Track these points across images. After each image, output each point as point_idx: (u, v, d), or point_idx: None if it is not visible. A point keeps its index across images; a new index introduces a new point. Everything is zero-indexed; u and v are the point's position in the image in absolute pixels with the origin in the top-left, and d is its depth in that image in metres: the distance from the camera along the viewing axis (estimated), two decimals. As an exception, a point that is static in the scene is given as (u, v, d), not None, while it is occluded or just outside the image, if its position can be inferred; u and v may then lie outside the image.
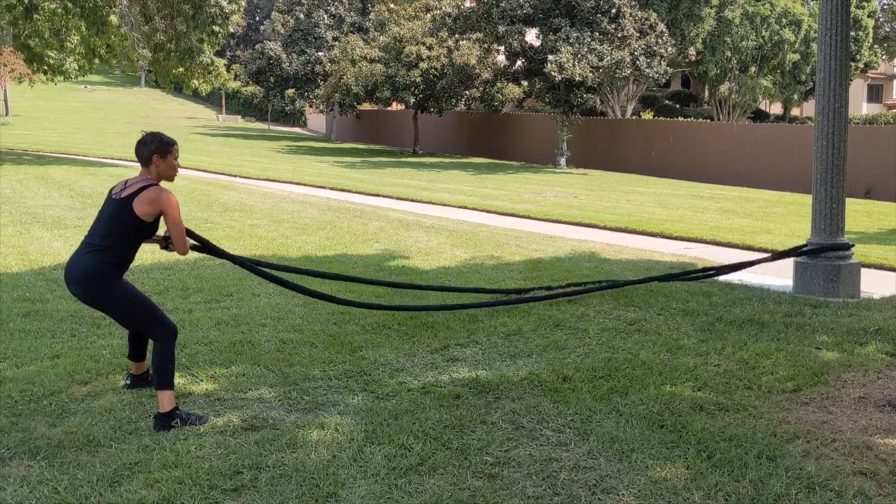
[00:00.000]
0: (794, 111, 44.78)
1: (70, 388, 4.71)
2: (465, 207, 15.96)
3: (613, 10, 27.81)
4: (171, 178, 4.40)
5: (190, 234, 4.72)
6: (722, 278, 8.48)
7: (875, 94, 49.76)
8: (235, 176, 22.07)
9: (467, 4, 32.34)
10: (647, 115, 36.08)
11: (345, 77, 35.00)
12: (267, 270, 5.73)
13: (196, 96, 66.75)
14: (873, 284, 8.36)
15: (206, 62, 25.31)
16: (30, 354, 5.33)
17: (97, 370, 5.01)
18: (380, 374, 5.07)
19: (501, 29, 28.23)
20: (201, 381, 4.88)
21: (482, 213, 15.27)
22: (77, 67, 24.40)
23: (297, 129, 58.50)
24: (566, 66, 26.16)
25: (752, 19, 35.09)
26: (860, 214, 16.68)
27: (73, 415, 4.30)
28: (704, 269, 8.35)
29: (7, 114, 48.44)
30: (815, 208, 7.81)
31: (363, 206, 15.21)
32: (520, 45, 28.70)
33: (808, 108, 43.40)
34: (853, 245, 7.88)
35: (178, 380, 4.80)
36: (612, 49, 27.06)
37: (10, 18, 20.92)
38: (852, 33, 38.07)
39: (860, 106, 46.82)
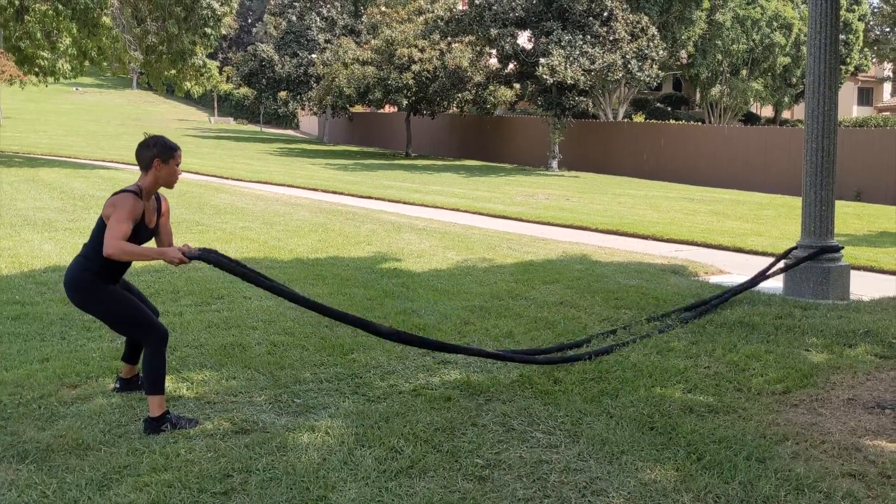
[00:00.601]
0: (785, 114, 44.99)
1: (59, 391, 4.69)
2: (458, 210, 15.97)
3: (605, 14, 27.89)
4: (170, 185, 4.25)
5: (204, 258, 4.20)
6: (713, 280, 8.51)
7: (865, 97, 50.01)
8: (227, 178, 22.04)
9: (459, 7, 32.39)
10: (639, 118, 36.18)
11: (337, 79, 34.99)
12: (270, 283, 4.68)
13: (188, 98, 66.59)
14: (863, 287, 8.40)
15: (198, 64, 25.30)
16: (19, 357, 5.31)
17: (87, 373, 4.99)
18: (371, 376, 5.06)
19: (493, 32, 28.27)
20: (191, 384, 4.86)
21: (474, 215, 15.29)
22: (70, 68, 24.34)
23: (290, 132, 58.44)
24: (558, 69, 26.22)
25: (742, 23, 35.24)
26: (850, 217, 16.75)
27: (63, 418, 4.28)
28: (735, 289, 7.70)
29: (-2, 116, 48.23)
30: (804, 211, 7.84)
31: (355, 209, 15.20)
32: (512, 47, 28.75)
33: (799, 111, 43.58)
34: (843, 247, 7.92)
35: (168, 383, 4.79)
36: (603, 52, 27.14)
37: (0, 20, 20.86)
38: (842, 36, 38.31)
39: (850, 109, 47.06)
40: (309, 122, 56.54)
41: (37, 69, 23.77)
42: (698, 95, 41.00)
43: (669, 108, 43.11)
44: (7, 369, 5.06)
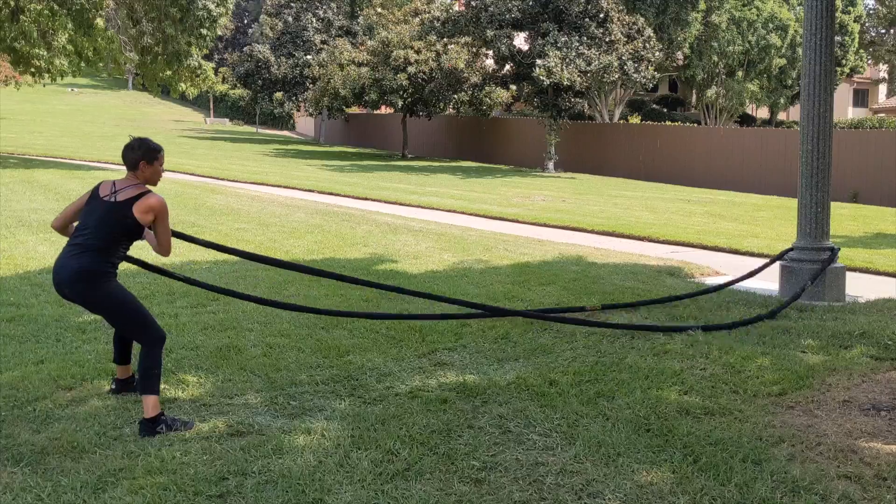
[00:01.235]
0: (781, 115, 45.05)
1: (54, 393, 4.68)
2: (454, 211, 15.97)
3: (601, 15, 27.92)
4: (154, 184, 4.44)
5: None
6: (709, 282, 8.52)
7: (861, 98, 50.09)
8: (223, 179, 22.01)
9: (456, 9, 32.40)
10: (635, 120, 36.20)
11: (333, 80, 34.96)
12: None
13: (183, 99, 66.36)
14: (858, 288, 8.41)
15: (193, 65, 25.26)
16: (14, 359, 5.29)
17: (82, 375, 4.98)
18: (367, 378, 5.06)
19: (490, 33, 28.28)
20: (187, 386, 4.85)
21: (470, 216, 15.29)
22: (66, 65, 24.28)
23: (286, 133, 58.39)
24: (554, 70, 26.24)
25: (738, 24, 35.28)
26: (846, 218, 16.78)
27: (58, 421, 4.27)
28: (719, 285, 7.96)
29: (-7, 117, 48.12)
30: (800, 212, 7.86)
31: (352, 210, 15.19)
32: (508, 49, 28.76)
33: (795, 113, 43.65)
34: (839, 249, 7.93)
35: (164, 385, 4.78)
36: (599, 53, 27.16)
37: (-4, 21, 20.84)
38: (838, 38, 38.34)
39: (846, 110, 47.13)
40: (305, 123, 56.49)
41: (33, 69, 23.73)
42: (694, 97, 41.03)
43: (665, 110, 43.15)
44: (1, 371, 5.05)
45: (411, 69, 32.48)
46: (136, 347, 4.68)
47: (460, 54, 32.49)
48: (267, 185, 20.85)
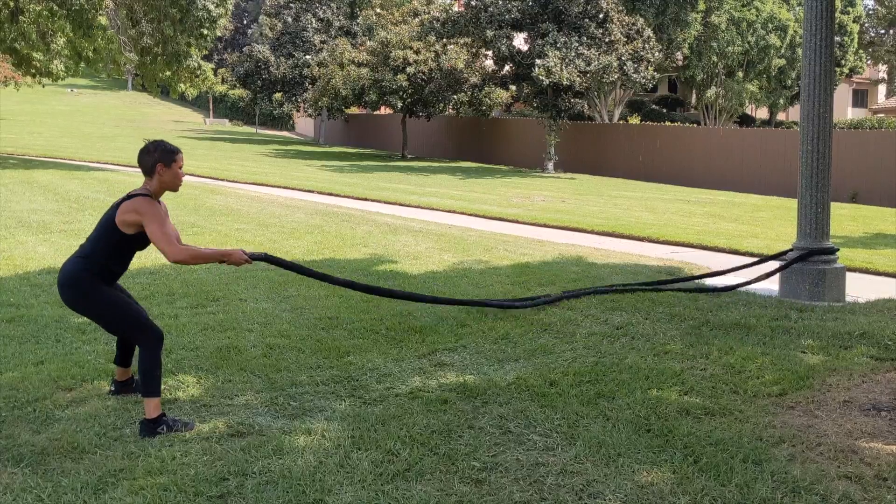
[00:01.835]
0: (781, 116, 45.07)
1: (54, 394, 4.68)
2: (454, 212, 15.97)
3: (601, 15, 27.93)
4: (175, 188, 4.30)
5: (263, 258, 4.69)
6: (709, 282, 8.52)
7: (860, 98, 50.12)
8: (223, 180, 22.00)
9: (455, 9, 32.40)
10: (635, 120, 36.22)
11: (333, 81, 34.96)
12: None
13: (183, 100, 66.33)
14: (859, 288, 8.41)
15: (193, 66, 25.24)
16: (14, 360, 5.29)
17: (82, 376, 4.97)
18: (367, 379, 5.05)
19: (489, 33, 28.29)
20: (187, 386, 4.85)
21: (470, 217, 15.29)
22: (64, 68, 24.27)
23: (286, 133, 58.39)
24: (554, 70, 26.25)
25: (738, 24, 35.29)
26: (846, 219, 16.79)
27: (58, 421, 4.27)
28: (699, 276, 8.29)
29: (-8, 117, 48.10)
30: (800, 213, 7.85)
31: (351, 211, 15.19)
32: (508, 49, 28.77)
33: (794, 113, 43.66)
34: (838, 249, 7.93)
35: (164, 386, 4.77)
36: (599, 54, 27.17)
37: (-5, 22, 20.84)
38: (837, 38, 38.34)
39: (846, 110, 47.15)
40: (304, 123, 56.49)
41: (32, 70, 23.72)
42: (694, 97, 41.05)
43: (665, 110, 43.17)
44: (1, 372, 5.05)
45: (411, 69, 32.50)
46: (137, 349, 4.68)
47: (460, 55, 32.51)
48: (266, 185, 20.84)
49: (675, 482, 3.57)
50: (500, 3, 28.25)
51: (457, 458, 3.80)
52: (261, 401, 4.62)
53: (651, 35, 28.72)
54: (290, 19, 47.62)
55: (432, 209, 16.33)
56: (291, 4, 48.08)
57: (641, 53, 27.99)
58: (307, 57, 45.38)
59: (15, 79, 26.43)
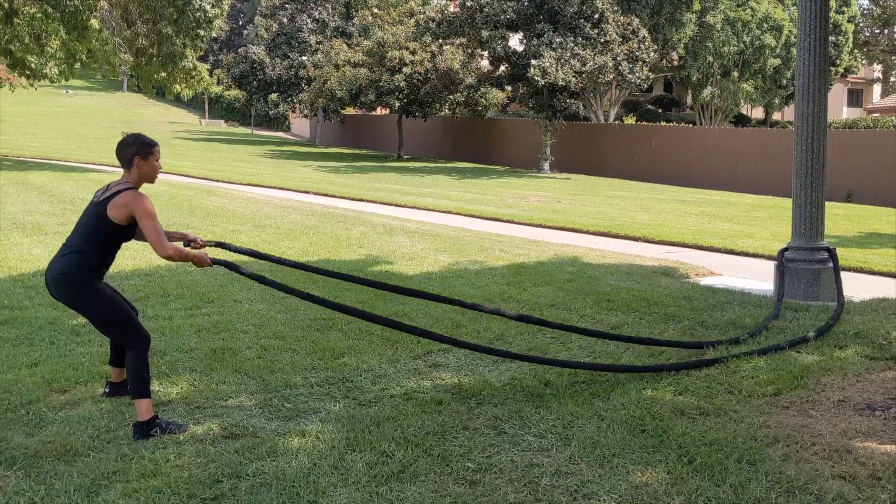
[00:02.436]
0: (776, 115, 45.14)
1: (48, 396, 4.67)
2: (450, 212, 15.96)
3: (596, 16, 27.93)
4: (152, 180, 4.37)
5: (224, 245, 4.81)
6: (703, 282, 8.53)
7: (855, 98, 50.25)
8: (218, 181, 21.98)
9: (451, 9, 32.39)
10: (630, 120, 36.25)
11: (329, 82, 34.94)
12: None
13: (178, 101, 66.34)
14: (853, 288, 8.42)
15: (188, 67, 25.20)
16: (7, 362, 5.27)
17: (76, 378, 4.96)
18: (362, 380, 5.05)
19: (485, 34, 28.27)
20: (181, 388, 4.84)
21: (466, 217, 15.28)
22: (58, 72, 24.22)
23: (281, 134, 58.33)
24: (549, 70, 26.24)
25: (733, 24, 35.34)
26: (841, 218, 16.81)
27: (51, 424, 4.25)
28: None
29: (-13, 119, 47.94)
30: (795, 212, 7.86)
31: (347, 211, 15.18)
32: (503, 50, 28.76)
33: (790, 113, 43.73)
34: (834, 249, 7.93)
35: (158, 387, 4.77)
36: (594, 54, 27.17)
37: (-10, 24, 20.77)
38: (832, 38, 38.46)
39: (840, 110, 47.27)
40: (300, 124, 56.44)
41: (27, 72, 23.66)
42: (689, 97, 41.12)
43: (660, 110, 43.22)
44: (-5, 374, 5.03)
45: (407, 70, 32.48)
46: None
47: (455, 55, 32.50)
48: (262, 186, 20.82)
49: (669, 482, 3.57)
50: (496, 3, 28.25)
51: (451, 460, 3.80)
52: (255, 402, 4.61)
53: (646, 35, 28.74)
54: (285, 20, 47.58)
55: (428, 210, 16.32)
56: (287, 5, 48.03)
57: (637, 53, 28.01)
58: (303, 58, 45.35)
59: (10, 80, 26.36)
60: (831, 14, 35.68)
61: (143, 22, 23.84)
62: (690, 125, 35.41)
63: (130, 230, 4.24)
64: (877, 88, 50.55)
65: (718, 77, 36.96)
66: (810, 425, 4.28)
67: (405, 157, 37.72)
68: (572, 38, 27.28)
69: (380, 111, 41.16)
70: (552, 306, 7.16)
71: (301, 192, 19.66)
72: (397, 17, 36.65)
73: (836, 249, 7.99)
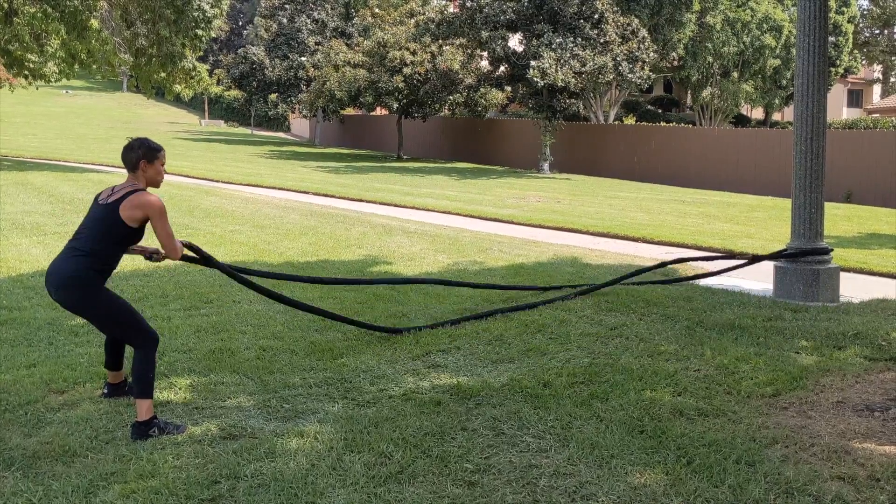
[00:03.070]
0: (776, 116, 45.14)
1: (46, 397, 4.66)
2: (449, 212, 15.96)
3: (596, 16, 27.92)
4: (157, 184, 4.40)
5: (189, 245, 4.69)
6: (703, 283, 8.53)
7: (855, 98, 50.26)
8: (217, 181, 21.97)
9: (451, 10, 32.39)
10: (630, 121, 36.24)
11: (328, 82, 34.92)
12: (251, 279, 5.55)
13: (178, 101, 66.34)
14: (853, 288, 8.42)
15: (188, 67, 25.17)
16: (5, 363, 5.27)
17: (74, 379, 4.96)
18: (360, 381, 5.04)
19: (485, 34, 28.27)
20: (180, 389, 4.83)
21: (465, 218, 15.28)
22: (57, 72, 24.20)
23: (281, 134, 58.32)
24: (549, 71, 26.24)
25: (733, 25, 35.34)
26: (840, 219, 16.81)
27: (49, 424, 4.25)
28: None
29: (-14, 119, 47.93)
30: (794, 213, 7.86)
31: (346, 212, 15.17)
32: (503, 50, 28.76)
33: (789, 113, 43.73)
34: (832, 249, 7.94)
35: (156, 388, 4.76)
36: (594, 54, 27.16)
37: (-10, 24, 20.75)
38: (832, 39, 38.46)
39: (840, 110, 47.27)
40: (300, 124, 56.43)
41: (26, 72, 23.64)
42: (689, 97, 41.11)
43: (660, 111, 43.20)
44: (-7, 375, 5.02)
45: (407, 70, 32.47)
46: (128, 351, 4.67)
47: (455, 56, 32.49)
48: (262, 186, 20.81)
49: (668, 483, 3.57)
50: (495, 4, 28.24)
51: (450, 460, 3.80)
52: (253, 403, 4.61)
53: (646, 35, 28.73)
54: (284, 21, 47.56)
55: (427, 210, 16.31)
56: (286, 6, 48.02)
57: (637, 54, 28.00)
58: (302, 58, 45.34)
59: (9, 80, 26.32)
60: (831, 14, 35.75)
61: (143, 22, 23.81)
62: (690, 126, 35.40)
63: (139, 233, 4.26)
64: (877, 89, 50.55)
65: (718, 77, 36.96)
66: (809, 426, 4.27)
67: (405, 157, 37.71)
68: (572, 39, 27.28)
69: (379, 111, 41.16)
70: (550, 307, 7.14)
71: (300, 192, 19.66)
72: (398, 17, 36.64)
73: (836, 250, 8.00)
